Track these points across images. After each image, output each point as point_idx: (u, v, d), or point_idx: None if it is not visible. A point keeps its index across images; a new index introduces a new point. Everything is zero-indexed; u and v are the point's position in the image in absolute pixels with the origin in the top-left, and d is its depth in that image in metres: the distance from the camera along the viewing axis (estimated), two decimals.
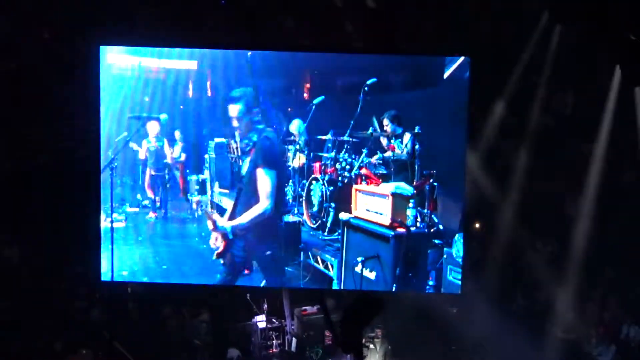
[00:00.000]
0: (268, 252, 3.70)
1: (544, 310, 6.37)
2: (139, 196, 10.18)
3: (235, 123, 3.65)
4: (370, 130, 6.14)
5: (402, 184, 4.86)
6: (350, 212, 5.23)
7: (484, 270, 6.28)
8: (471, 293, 5.40)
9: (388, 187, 4.79)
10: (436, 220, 6.03)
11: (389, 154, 6.39)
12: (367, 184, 5.59)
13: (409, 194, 4.74)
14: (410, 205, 4.65)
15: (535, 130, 7.08)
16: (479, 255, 6.55)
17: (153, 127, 9.14)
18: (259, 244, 3.67)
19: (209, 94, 16.25)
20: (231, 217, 3.70)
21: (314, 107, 7.08)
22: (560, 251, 6.72)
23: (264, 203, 3.51)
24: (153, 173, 8.91)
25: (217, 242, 3.72)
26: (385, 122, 6.62)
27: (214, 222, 3.59)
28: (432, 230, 5.87)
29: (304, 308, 5.54)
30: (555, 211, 6.98)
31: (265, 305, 5.96)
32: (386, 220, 4.68)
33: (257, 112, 3.63)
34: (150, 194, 9.01)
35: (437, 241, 5.75)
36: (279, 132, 7.93)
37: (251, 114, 3.60)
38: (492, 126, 7.17)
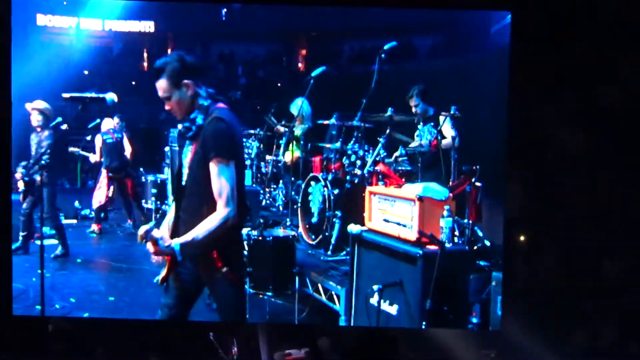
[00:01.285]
0: (224, 269, 3.58)
1: (613, 353, 6.27)
2: (77, 203, 10.20)
3: (167, 106, 3.55)
4: (388, 112, 6.09)
5: (434, 185, 4.78)
6: (363, 224, 5.15)
7: (533, 300, 6.19)
8: (514, 329, 5.30)
9: (414, 189, 4.70)
10: (480, 234, 6.01)
11: (414, 143, 6.36)
12: (386, 184, 5.53)
13: (443, 198, 4.65)
14: (445, 213, 4.56)
15: (605, 113, 6.99)
16: (526, 279, 6.46)
17: (107, 120, 9.16)
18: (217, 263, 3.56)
19: None
20: (175, 232, 3.60)
21: (312, 81, 7.07)
22: (638, 273, 6.62)
23: (222, 209, 3.40)
24: (110, 175, 8.90)
25: (158, 260, 3.64)
26: (412, 100, 6.59)
27: (155, 241, 3.48)
28: (475, 247, 5.85)
29: (287, 352, 5.43)
30: (629, 219, 6.87)
31: (235, 348, 5.86)
32: (412, 234, 4.60)
33: (193, 83, 3.52)
34: (98, 201, 8.99)
35: (482, 262, 5.72)
36: (234, 103, 7.86)
37: (184, 87, 3.49)
38: (544, 107, 7.08)
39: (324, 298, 5.75)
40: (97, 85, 13.47)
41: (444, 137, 6.17)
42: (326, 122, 7.12)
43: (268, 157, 8.84)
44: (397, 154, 6.60)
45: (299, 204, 6.92)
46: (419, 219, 4.61)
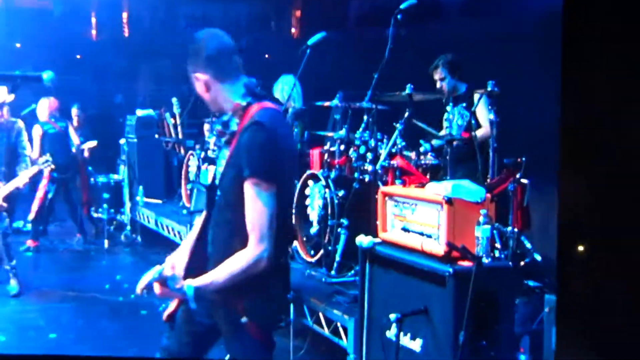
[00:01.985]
0: (244, 319, 3.54)
1: None
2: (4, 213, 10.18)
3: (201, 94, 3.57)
4: (407, 90, 6.08)
5: (467, 183, 4.74)
6: (376, 235, 5.13)
7: (596, 330, 6.16)
8: None
9: (441, 189, 4.67)
10: (529, 246, 5.99)
11: (443, 132, 6.34)
12: (404, 183, 5.50)
13: (479, 200, 4.62)
14: (482, 219, 4.53)
15: None
16: (588, 304, 6.43)
17: (45, 103, 9.16)
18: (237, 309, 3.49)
19: (126, 32, 16.30)
20: (190, 269, 3.55)
21: (308, 51, 7.03)
22: None
23: (254, 247, 3.33)
24: (52, 175, 8.89)
25: (161, 293, 3.57)
26: (438, 73, 6.58)
27: (163, 281, 3.46)
28: (522, 263, 5.83)
29: None
30: None
31: None
32: (439, 246, 4.57)
33: (211, 77, 3.53)
34: (34, 210, 8.99)
35: (531, 283, 5.70)
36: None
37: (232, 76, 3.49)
38: (609, 82, 7.08)
39: (326, 331, 5.72)
40: (32, 60, 13.53)
41: (478, 123, 6.16)
42: (327, 103, 7.10)
43: None
44: (422, 149, 6.60)
45: (293, 210, 6.90)
46: (448, 228, 4.57)
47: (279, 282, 3.63)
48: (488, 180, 5.86)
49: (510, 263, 4.78)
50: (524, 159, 5.74)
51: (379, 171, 6.20)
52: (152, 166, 10.17)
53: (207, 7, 12.08)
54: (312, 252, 6.67)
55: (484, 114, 6.07)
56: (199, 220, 3.68)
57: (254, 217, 3.26)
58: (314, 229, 6.62)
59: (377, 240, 5.08)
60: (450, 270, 4.41)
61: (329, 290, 6.05)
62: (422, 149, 6.44)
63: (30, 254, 8.90)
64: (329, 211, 6.41)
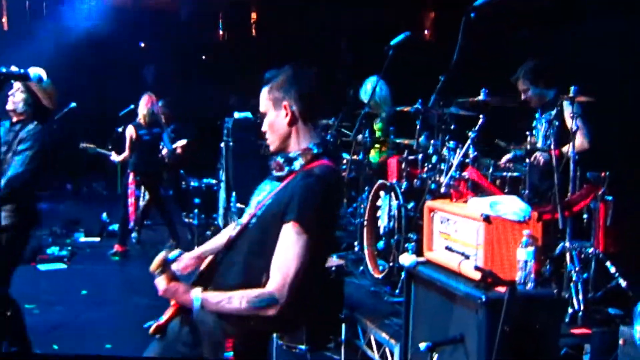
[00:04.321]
0: (228, 355, 3.46)
1: None
2: (104, 215, 10.48)
3: (263, 126, 3.55)
4: (481, 96, 5.80)
5: (510, 199, 4.42)
6: (421, 253, 4.88)
7: None
8: None
9: (478, 205, 4.37)
10: (612, 270, 5.58)
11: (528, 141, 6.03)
12: (458, 197, 5.18)
13: (522, 219, 4.29)
14: (524, 240, 4.18)
15: None
16: None
17: (143, 100, 9.32)
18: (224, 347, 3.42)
19: (253, 32, 16.36)
20: (205, 278, 3.51)
21: (391, 52, 6.82)
22: None
23: (276, 290, 3.24)
24: (132, 181, 9.06)
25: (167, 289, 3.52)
26: (520, 84, 6.30)
27: (172, 277, 3.41)
28: (606, 287, 5.45)
29: None
30: None
31: None
32: (474, 268, 4.28)
33: (298, 110, 3.55)
34: (131, 213, 9.19)
35: (612, 310, 5.45)
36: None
37: (283, 109, 3.49)
38: None
39: (376, 355, 5.53)
40: (155, 59, 13.90)
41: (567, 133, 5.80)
42: (406, 108, 6.87)
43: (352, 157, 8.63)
44: (508, 156, 6.35)
45: (364, 222, 6.71)
46: (486, 249, 4.28)
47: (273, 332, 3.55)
48: (569, 195, 5.48)
49: (554, 291, 4.39)
50: (607, 173, 5.36)
51: (452, 183, 5.91)
52: (248, 170, 10.16)
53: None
54: (382, 268, 6.43)
55: (568, 122, 5.69)
56: (229, 231, 3.67)
57: (282, 261, 3.20)
58: (380, 244, 6.39)
59: (422, 259, 4.84)
60: (483, 297, 4.11)
61: (388, 310, 5.83)
62: (508, 155, 6.27)
63: (117, 259, 9.06)
64: (397, 225, 6.15)
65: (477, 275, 4.24)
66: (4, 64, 4.04)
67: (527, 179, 5.72)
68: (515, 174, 5.94)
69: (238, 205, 9.89)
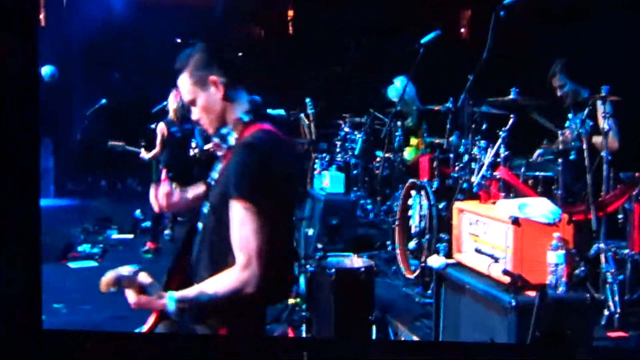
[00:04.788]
0: None
1: None
2: (138, 212, 10.50)
3: (194, 114, 3.44)
4: (511, 95, 5.72)
5: (540, 202, 4.36)
6: (451, 255, 4.84)
7: None
8: None
9: (507, 207, 4.32)
10: None
11: (566, 135, 5.96)
12: (487, 198, 5.13)
13: (552, 222, 4.23)
14: (554, 243, 4.12)
15: None
16: None
17: (172, 95, 9.33)
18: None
19: (290, 31, 16.39)
20: (171, 280, 3.47)
21: (422, 50, 6.78)
22: None
23: (240, 270, 3.19)
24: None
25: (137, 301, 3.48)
26: (556, 80, 6.21)
27: (141, 288, 3.36)
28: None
29: None
30: None
31: None
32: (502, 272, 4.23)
33: (224, 81, 3.39)
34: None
35: None
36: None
37: (212, 86, 3.35)
38: None
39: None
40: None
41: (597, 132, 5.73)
42: (437, 107, 6.82)
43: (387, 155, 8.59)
44: (539, 151, 6.27)
45: (396, 222, 6.67)
46: (515, 252, 4.23)
47: (263, 312, 3.44)
48: (602, 196, 5.42)
49: (587, 295, 4.31)
50: None
51: (482, 182, 5.85)
52: None
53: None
54: (413, 268, 6.40)
55: (600, 121, 5.62)
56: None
57: (241, 239, 3.12)
58: (412, 244, 6.35)
59: (451, 261, 4.80)
60: (513, 301, 4.07)
61: (419, 311, 5.78)
62: (539, 150, 6.22)
63: (150, 256, 9.07)
64: (428, 225, 6.11)
65: (506, 279, 4.20)
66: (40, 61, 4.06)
67: (560, 179, 5.64)
68: (548, 173, 5.88)
69: None
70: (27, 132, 4.06)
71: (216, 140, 3.33)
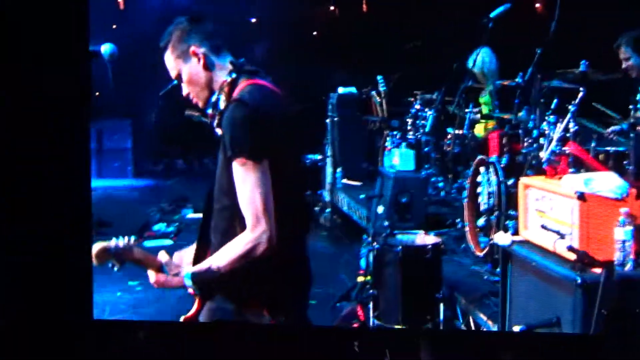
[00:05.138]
0: (266, 316, 3.39)
1: None
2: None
3: (184, 90, 3.43)
4: (581, 67, 5.56)
5: (606, 176, 4.24)
6: (517, 232, 4.75)
7: None
8: None
9: (573, 182, 4.21)
10: None
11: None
12: (553, 173, 5.00)
13: (619, 197, 4.10)
14: (621, 219, 3.99)
15: None
16: None
17: None
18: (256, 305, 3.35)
19: (364, 8, 16.27)
20: (199, 256, 3.45)
21: (490, 25, 6.65)
22: None
23: (250, 231, 3.15)
24: None
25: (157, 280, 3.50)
26: (622, 52, 6.05)
27: (159, 267, 3.39)
28: None
29: None
30: None
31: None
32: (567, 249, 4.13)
33: (205, 50, 3.35)
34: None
35: None
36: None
37: (192, 57, 3.34)
38: None
39: None
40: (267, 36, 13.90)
41: None
42: (506, 82, 6.68)
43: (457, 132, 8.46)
44: (614, 127, 6.09)
45: (465, 199, 6.57)
46: (581, 228, 4.12)
47: (295, 274, 3.39)
48: None
49: None
50: None
51: (552, 158, 5.71)
52: (353, 146, 10.09)
53: None
54: (482, 245, 6.29)
55: None
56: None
57: (245, 198, 3.08)
58: (481, 221, 6.24)
59: (518, 238, 4.71)
60: (578, 279, 3.95)
61: (488, 289, 5.66)
62: (615, 127, 6.01)
63: None
64: (497, 202, 5.99)
65: (572, 256, 4.09)
66: (119, 43, 4.09)
67: (633, 154, 5.45)
68: (620, 148, 5.69)
69: (344, 181, 9.88)
70: (77, 120, 4.11)
71: (210, 111, 3.31)
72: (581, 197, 4.09)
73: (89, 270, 5.85)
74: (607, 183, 4.16)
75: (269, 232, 3.06)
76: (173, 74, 3.35)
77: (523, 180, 4.78)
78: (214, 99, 3.28)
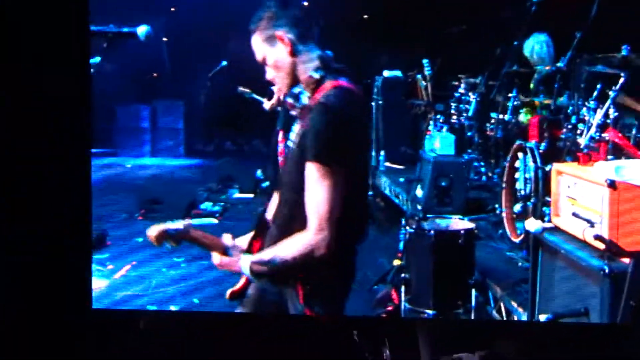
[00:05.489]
0: (302, 305, 3.42)
1: None
2: (259, 172, 10.54)
3: (268, 75, 3.39)
4: (623, 52, 5.40)
5: (636, 163, 4.10)
6: (549, 219, 4.64)
7: None
8: None
9: (604, 169, 4.08)
10: None
11: None
12: (585, 160, 4.87)
13: None
14: None
15: None
16: None
17: None
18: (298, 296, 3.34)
19: None
20: (259, 245, 3.46)
21: (534, 8, 6.52)
22: None
23: (311, 233, 3.15)
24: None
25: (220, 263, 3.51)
26: None
27: (223, 249, 3.40)
28: None
29: (457, 357, 5.10)
30: None
31: (387, 351, 5.70)
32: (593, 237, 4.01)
33: (292, 38, 3.36)
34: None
35: None
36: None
37: (279, 42, 3.30)
38: None
39: None
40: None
41: None
42: (547, 67, 6.56)
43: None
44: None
45: (503, 185, 6.45)
46: (611, 217, 3.99)
47: (342, 272, 3.35)
48: None
49: None
50: None
51: (591, 145, 5.57)
52: (397, 130, 10.00)
53: None
54: (519, 231, 6.18)
55: None
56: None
57: (314, 202, 3.07)
58: (517, 207, 6.13)
59: (549, 225, 4.60)
60: (606, 268, 3.84)
61: (521, 276, 5.55)
62: None
63: None
64: (535, 188, 5.87)
65: (601, 245, 3.98)
66: (159, 22, 4.09)
67: None
68: None
69: (387, 164, 9.78)
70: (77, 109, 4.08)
71: (289, 100, 3.26)
72: (612, 184, 3.96)
73: (88, 269, 5.94)
74: (639, 171, 4.02)
75: (329, 239, 3.06)
76: (259, 57, 3.30)
77: (556, 166, 4.66)
78: (296, 90, 3.26)
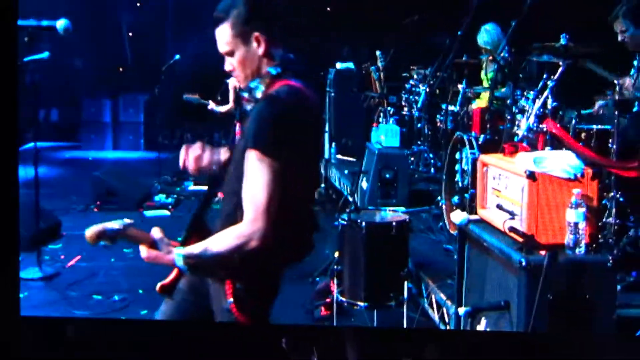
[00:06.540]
0: (228, 303, 3.30)
1: None
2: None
3: (227, 65, 3.27)
4: (561, 41, 5.24)
5: (559, 155, 3.94)
6: (476, 210, 4.48)
7: None
8: None
9: (525, 160, 3.92)
10: None
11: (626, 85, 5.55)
12: (510, 151, 4.71)
13: (573, 177, 3.80)
14: (573, 200, 3.69)
15: None
16: None
17: None
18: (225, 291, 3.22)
19: None
20: (190, 236, 3.31)
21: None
22: None
23: (246, 225, 3.02)
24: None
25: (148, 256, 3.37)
26: (619, 24, 5.81)
27: (152, 243, 3.26)
28: None
29: None
30: None
31: (315, 359, 5.62)
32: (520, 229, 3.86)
33: (267, 39, 3.28)
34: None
35: None
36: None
37: (254, 41, 3.21)
38: None
39: (436, 316, 5.17)
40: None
41: None
42: (490, 58, 6.46)
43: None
44: (600, 102, 5.84)
45: (444, 177, 6.31)
46: (530, 208, 3.84)
47: (277, 273, 3.32)
48: None
49: (608, 257, 3.87)
50: None
51: (529, 136, 5.44)
52: (349, 122, 9.89)
53: None
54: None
55: None
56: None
57: (251, 191, 2.99)
58: (455, 198, 6.00)
59: (474, 217, 4.44)
60: (523, 261, 3.68)
61: (454, 269, 5.41)
62: (601, 102, 5.77)
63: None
64: (470, 179, 5.73)
65: (518, 237, 3.84)
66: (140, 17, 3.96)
67: (615, 132, 5.13)
68: (605, 126, 5.38)
69: (339, 156, 9.65)
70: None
71: (245, 94, 3.23)
72: (531, 175, 3.80)
73: (15, 269, 5.76)
74: (559, 162, 3.85)
75: (264, 231, 2.96)
76: (224, 49, 3.20)
77: (482, 157, 4.49)
78: (253, 85, 3.21)
